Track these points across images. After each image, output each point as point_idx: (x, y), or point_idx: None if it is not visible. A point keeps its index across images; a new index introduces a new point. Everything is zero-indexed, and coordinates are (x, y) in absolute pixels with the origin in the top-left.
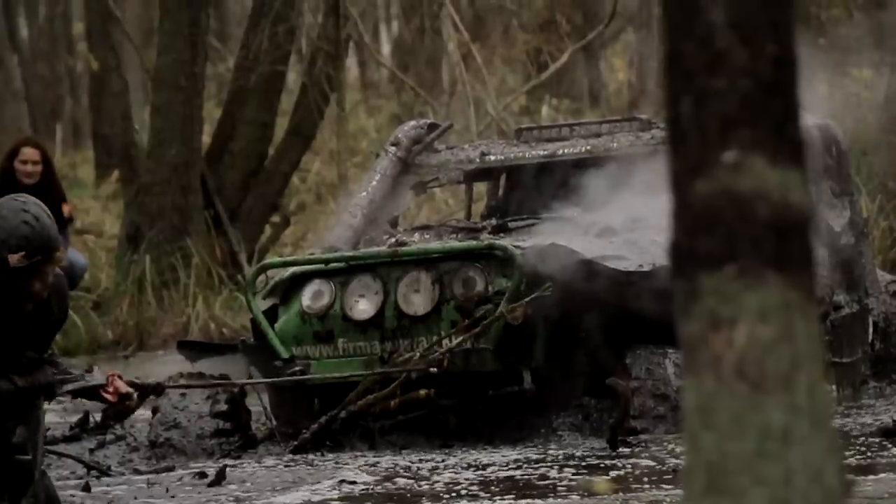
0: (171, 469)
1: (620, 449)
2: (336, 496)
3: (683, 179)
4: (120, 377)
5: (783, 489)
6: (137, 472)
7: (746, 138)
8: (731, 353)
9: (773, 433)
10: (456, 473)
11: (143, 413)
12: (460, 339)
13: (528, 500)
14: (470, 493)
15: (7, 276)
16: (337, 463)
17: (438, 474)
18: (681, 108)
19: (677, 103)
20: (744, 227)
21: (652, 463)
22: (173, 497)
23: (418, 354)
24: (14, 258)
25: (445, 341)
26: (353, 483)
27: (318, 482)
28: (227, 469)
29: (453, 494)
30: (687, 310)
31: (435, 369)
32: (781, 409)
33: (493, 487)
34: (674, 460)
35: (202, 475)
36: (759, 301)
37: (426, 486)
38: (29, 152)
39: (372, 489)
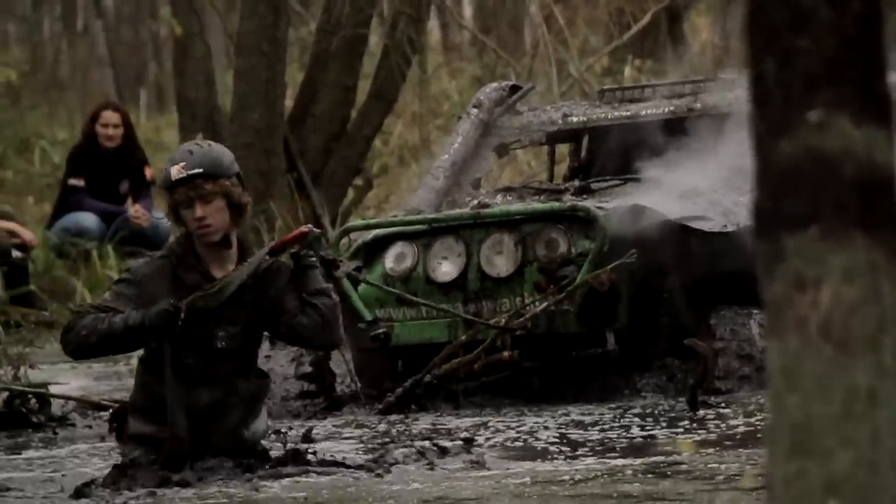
0: None
1: (703, 410)
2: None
3: (767, 140)
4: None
5: (870, 450)
6: None
7: (831, 97)
8: (816, 314)
9: (858, 394)
10: (539, 433)
11: None
12: (545, 304)
13: (609, 460)
14: (553, 452)
15: (171, 195)
16: (418, 422)
17: (520, 434)
18: (764, 68)
19: (761, 63)
20: (828, 188)
21: (736, 424)
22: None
23: (503, 319)
24: (175, 169)
25: (530, 305)
26: (470, 441)
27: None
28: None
29: (548, 452)
30: (771, 271)
31: (521, 331)
32: (867, 370)
33: (574, 447)
34: (758, 421)
35: (278, 433)
36: (844, 262)
37: (508, 449)
38: (109, 116)
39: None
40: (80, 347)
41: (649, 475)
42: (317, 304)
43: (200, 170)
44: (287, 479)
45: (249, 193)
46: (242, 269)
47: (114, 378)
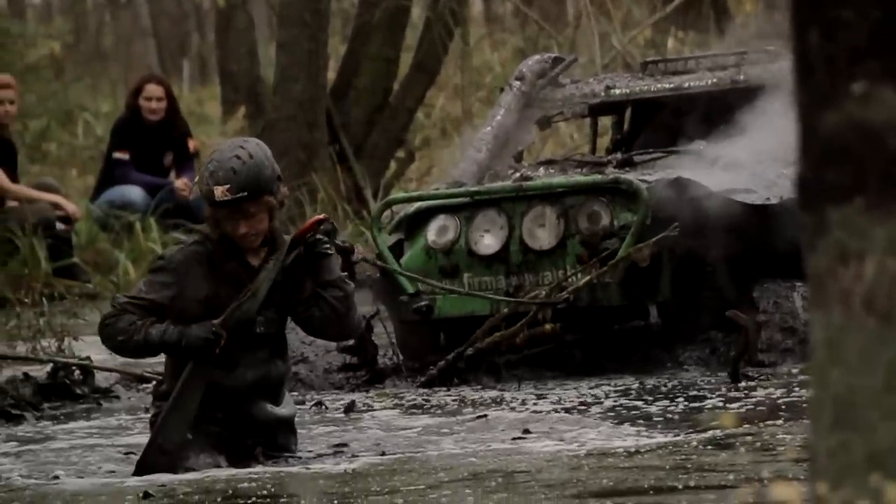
0: (300, 403)
1: (746, 383)
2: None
3: (811, 111)
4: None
5: None
6: None
7: (875, 69)
8: (860, 287)
9: None
10: (589, 405)
11: None
12: (587, 278)
13: (660, 432)
14: (604, 425)
15: (214, 210)
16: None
17: (571, 406)
18: (808, 40)
19: (805, 34)
20: (873, 159)
21: (778, 397)
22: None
23: (545, 291)
24: (219, 190)
25: (572, 278)
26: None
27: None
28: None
29: (600, 425)
30: (814, 243)
31: (563, 305)
32: None
33: (624, 420)
34: (800, 394)
35: (319, 405)
36: (888, 234)
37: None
38: (153, 89)
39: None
40: (117, 350)
41: (707, 447)
42: (327, 297)
43: (245, 193)
44: (332, 452)
45: (285, 186)
46: (270, 269)
47: None
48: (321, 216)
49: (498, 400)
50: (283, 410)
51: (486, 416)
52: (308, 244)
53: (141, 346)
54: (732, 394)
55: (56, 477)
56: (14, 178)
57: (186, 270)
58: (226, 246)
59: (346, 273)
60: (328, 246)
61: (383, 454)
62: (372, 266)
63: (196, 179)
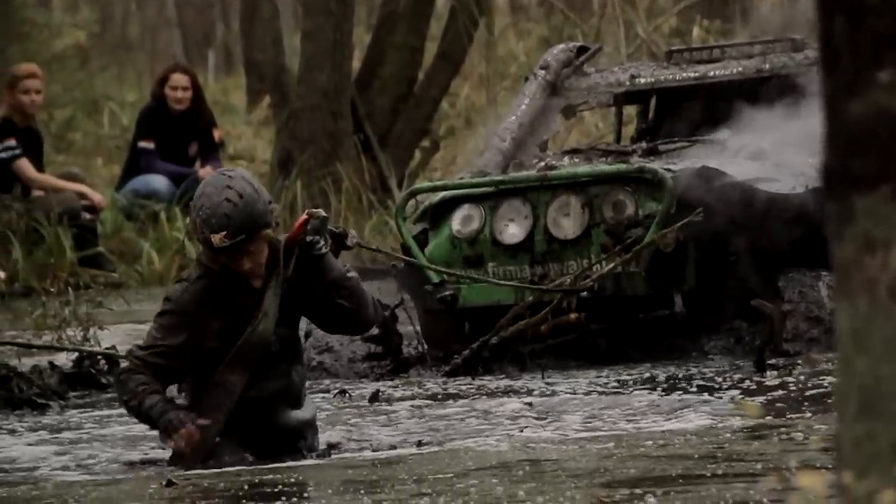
0: (325, 391)
1: (771, 372)
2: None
3: (837, 100)
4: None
5: None
6: None
7: None
8: (886, 276)
9: None
10: (606, 394)
11: None
12: (611, 265)
13: (688, 422)
14: (634, 414)
15: (214, 255)
16: (483, 386)
17: (587, 394)
18: (834, 28)
19: (830, 22)
20: None
21: (804, 386)
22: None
23: (569, 279)
24: (216, 238)
25: (596, 266)
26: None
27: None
28: (380, 392)
29: (630, 414)
30: (840, 232)
31: (586, 293)
32: None
33: (641, 408)
34: (826, 384)
35: (343, 393)
36: None
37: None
38: (178, 79)
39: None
40: (127, 412)
41: (736, 436)
42: (336, 299)
43: (243, 236)
44: (356, 442)
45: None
46: (274, 287)
47: None
48: (305, 215)
49: (522, 388)
50: (305, 413)
51: (523, 428)
52: (302, 248)
53: (139, 416)
54: (759, 383)
55: (80, 466)
56: (40, 167)
57: (197, 311)
58: (229, 278)
59: (346, 268)
60: (321, 245)
61: (419, 443)
62: (368, 251)
63: (188, 223)
